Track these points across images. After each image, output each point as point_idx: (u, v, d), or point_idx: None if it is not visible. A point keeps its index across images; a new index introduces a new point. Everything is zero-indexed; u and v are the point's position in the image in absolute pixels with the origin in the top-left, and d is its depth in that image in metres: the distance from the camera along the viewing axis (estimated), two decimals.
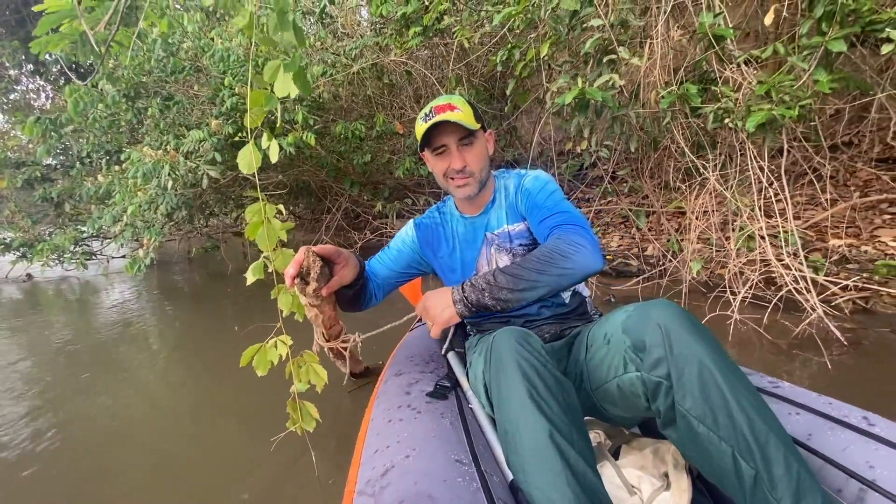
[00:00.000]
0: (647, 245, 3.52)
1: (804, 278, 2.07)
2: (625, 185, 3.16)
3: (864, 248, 2.81)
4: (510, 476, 0.70)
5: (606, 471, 0.85)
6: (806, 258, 2.73)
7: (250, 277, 1.12)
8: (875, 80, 2.69)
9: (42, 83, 6.62)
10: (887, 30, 1.63)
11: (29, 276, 5.11)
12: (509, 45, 2.44)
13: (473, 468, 0.71)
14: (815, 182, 2.97)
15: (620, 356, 0.77)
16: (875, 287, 2.38)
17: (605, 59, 1.96)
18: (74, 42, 1.26)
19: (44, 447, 1.53)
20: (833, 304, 2.27)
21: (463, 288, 0.94)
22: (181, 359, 2.40)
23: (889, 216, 3.13)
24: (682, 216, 3.09)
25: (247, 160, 1.02)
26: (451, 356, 1.12)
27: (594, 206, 3.74)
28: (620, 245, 3.86)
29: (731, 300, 2.17)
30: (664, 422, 0.72)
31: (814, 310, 1.94)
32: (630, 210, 3.26)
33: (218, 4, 0.99)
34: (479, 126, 1.07)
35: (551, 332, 1.08)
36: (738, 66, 2.23)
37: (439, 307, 0.95)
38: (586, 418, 0.97)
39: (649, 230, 3.50)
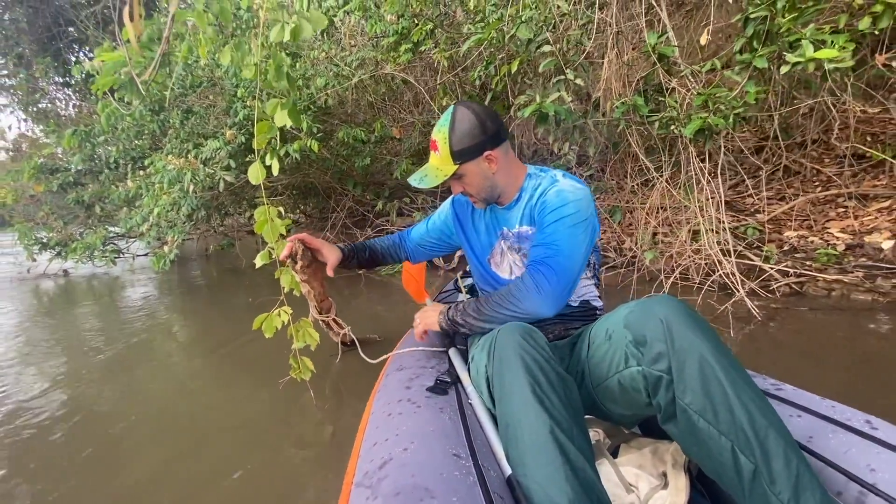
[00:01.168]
0: (625, 239, 3.83)
1: (733, 266, 2.37)
2: (599, 182, 3.47)
3: (812, 238, 3.09)
4: (507, 471, 0.70)
5: (604, 469, 0.85)
6: (759, 248, 3.04)
7: (259, 262, 1.50)
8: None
9: (69, 93, 7.09)
10: (785, 54, 1.92)
11: (65, 272, 5.60)
12: (485, 62, 2.77)
13: (471, 462, 0.71)
14: (783, 178, 3.25)
15: (622, 351, 0.78)
16: (812, 273, 2.67)
17: (554, 80, 2.28)
18: (124, 82, 1.63)
19: (89, 410, 1.92)
20: (771, 288, 2.57)
21: (450, 307, 1.12)
22: (200, 340, 2.80)
23: (843, 209, 3.39)
24: (654, 212, 3.40)
25: (254, 174, 1.39)
26: (452, 352, 1.14)
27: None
28: (601, 238, 4.17)
29: (676, 285, 2.49)
30: (665, 416, 0.72)
31: (738, 291, 2.24)
32: (613, 206, 3.58)
33: (233, 62, 1.35)
34: (456, 167, 1.09)
35: (555, 332, 1.08)
36: (685, 78, 2.54)
37: (430, 316, 1.16)
38: (586, 417, 0.98)
39: (629, 225, 3.82)
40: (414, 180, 1.15)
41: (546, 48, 2.24)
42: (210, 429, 1.61)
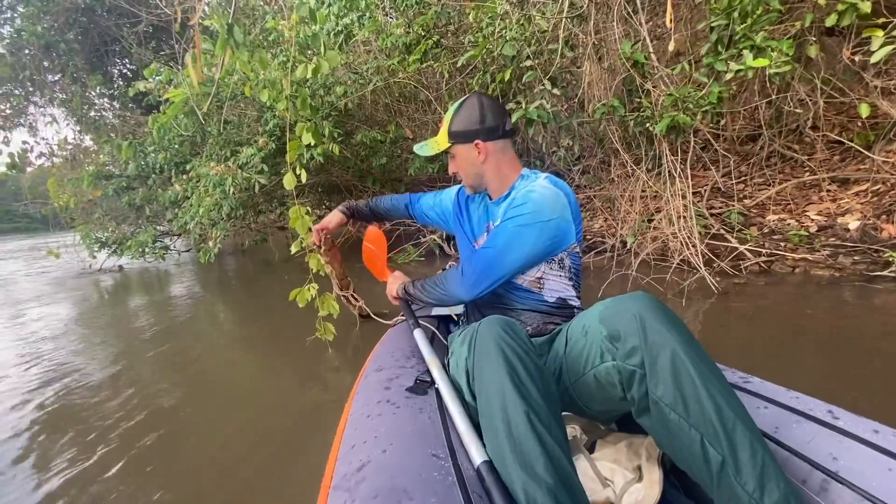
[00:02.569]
0: (613, 225, 4.14)
1: (697, 248, 2.68)
2: (587, 175, 3.79)
3: (790, 221, 3.34)
4: (477, 461, 0.71)
5: (581, 464, 0.86)
6: (743, 230, 3.31)
7: (294, 249, 1.94)
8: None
9: (114, 104, 7.77)
10: (729, 63, 2.22)
11: (120, 267, 6.28)
12: (482, 72, 3.13)
13: (450, 462, 0.71)
14: (776, 164, 3.50)
15: (598, 346, 0.80)
16: (780, 253, 2.94)
17: (535, 90, 2.63)
18: (186, 113, 2.09)
19: (162, 381, 2.42)
20: (742, 266, 2.87)
21: (409, 281, 1.34)
22: (240, 320, 3.30)
23: (827, 192, 3.61)
24: (648, 201, 3.70)
25: (288, 181, 1.82)
26: (417, 333, 1.15)
27: (588, 192, 4.37)
28: (602, 226, 4.48)
29: (649, 264, 2.81)
30: (638, 410, 0.75)
31: (700, 269, 2.56)
32: (602, 197, 3.89)
33: (269, 99, 1.78)
34: (448, 145, 1.18)
35: (534, 326, 1.11)
36: (661, 79, 2.84)
37: (393, 284, 1.39)
38: (564, 414, 1.00)
39: (626, 214, 4.12)
40: (417, 147, 1.28)
41: (528, 63, 2.59)
42: (250, 386, 2.08)
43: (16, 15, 6.38)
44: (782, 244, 3.13)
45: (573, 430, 0.96)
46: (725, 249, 3.04)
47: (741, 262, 2.94)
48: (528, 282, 1.12)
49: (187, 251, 6.74)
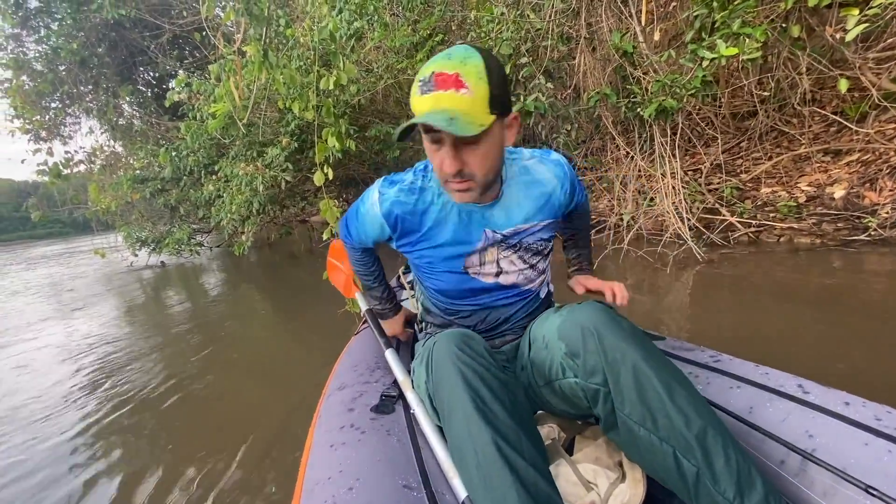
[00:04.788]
0: (620, 204, 4.38)
1: (684, 222, 2.93)
2: (587, 158, 4.03)
3: (782, 193, 3.52)
4: (460, 494, 0.67)
5: (562, 469, 0.85)
6: (738, 203, 3.51)
7: (326, 236, 2.27)
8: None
9: (143, 112, 8.22)
10: (703, 53, 2.44)
11: (163, 263, 6.80)
12: None
13: (424, 493, 0.68)
14: (775, 139, 3.70)
15: (558, 362, 0.77)
16: (768, 223, 3.16)
17: (531, 84, 2.88)
18: (227, 123, 2.43)
19: (208, 354, 2.81)
20: (733, 237, 3.10)
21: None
22: (270, 304, 3.69)
23: (819, 164, 3.78)
24: (642, 180, 3.93)
25: (318, 178, 2.14)
26: (389, 354, 1.03)
27: (590, 174, 4.60)
28: (605, 206, 4.72)
29: (645, 239, 3.07)
30: (606, 426, 0.73)
31: (685, 242, 2.81)
32: (608, 178, 4.14)
33: (299, 108, 2.10)
34: (492, 118, 0.72)
35: (523, 325, 1.00)
36: (651, 66, 3.05)
37: (397, 327, 1.20)
38: (539, 413, 0.97)
39: (622, 193, 4.35)
40: (439, 120, 0.69)
41: (523, 59, 2.85)
42: (283, 358, 2.44)
43: (51, 33, 6.85)
44: (772, 215, 3.34)
45: (550, 430, 0.94)
46: (718, 222, 3.27)
47: (732, 233, 3.17)
48: (523, 278, 0.96)
49: (218, 246, 7.22)
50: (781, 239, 3.06)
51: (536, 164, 0.93)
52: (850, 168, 3.48)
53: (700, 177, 3.78)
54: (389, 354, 1.02)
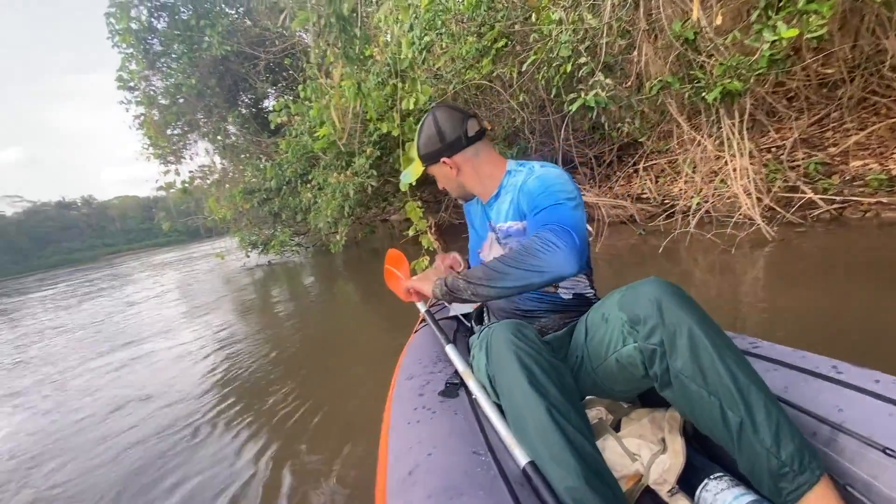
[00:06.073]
0: (689, 188, 4.35)
1: (754, 204, 2.94)
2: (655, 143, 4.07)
3: (873, 166, 3.33)
4: (522, 461, 0.74)
5: (609, 443, 0.93)
6: (820, 179, 3.40)
7: (411, 232, 2.69)
8: None
9: (245, 132, 9.36)
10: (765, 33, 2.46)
11: (270, 262, 7.84)
12: (546, 66, 3.60)
13: (490, 457, 0.77)
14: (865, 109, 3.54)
15: (618, 331, 0.84)
16: (855, 198, 3.05)
17: (591, 80, 3.05)
18: (331, 142, 2.94)
19: (307, 339, 3.36)
20: (813, 215, 3.06)
21: (445, 278, 1.00)
22: (358, 294, 4.23)
23: None
24: (711, 163, 3.89)
25: (404, 185, 2.55)
26: (449, 349, 1.12)
27: (659, 160, 4.62)
28: (679, 190, 4.69)
29: (714, 222, 3.11)
30: (661, 384, 0.80)
31: (753, 222, 2.84)
32: (676, 163, 4.15)
33: (388, 129, 2.52)
34: (422, 168, 1.21)
35: (552, 325, 1.12)
36: (715, 50, 3.08)
37: (425, 284, 1.10)
38: (588, 398, 1.07)
39: (690, 177, 4.31)
40: (403, 175, 1.33)
41: (582, 59, 3.03)
42: (365, 340, 2.90)
43: (172, 71, 8.13)
44: (860, 189, 3.18)
45: (598, 413, 1.03)
46: (796, 200, 3.20)
47: (811, 211, 3.10)
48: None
49: (314, 246, 8.14)
50: (867, 214, 2.94)
51: (518, 176, 1.12)
52: None
53: (783, 153, 3.67)
54: (449, 349, 1.11)
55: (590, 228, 1.08)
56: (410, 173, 1.25)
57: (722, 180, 3.43)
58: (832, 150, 3.73)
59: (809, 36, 2.38)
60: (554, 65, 3.56)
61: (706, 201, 3.39)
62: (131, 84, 8.14)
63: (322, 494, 1.46)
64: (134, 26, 7.62)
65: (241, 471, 1.67)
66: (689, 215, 3.43)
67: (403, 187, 2.49)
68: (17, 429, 2.54)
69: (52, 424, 2.48)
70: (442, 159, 1.13)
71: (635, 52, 3.17)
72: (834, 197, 3.13)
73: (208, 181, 9.10)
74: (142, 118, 8.40)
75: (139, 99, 8.27)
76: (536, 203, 1.01)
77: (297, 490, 1.51)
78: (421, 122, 1.16)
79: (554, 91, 3.87)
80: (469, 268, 1.25)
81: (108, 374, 3.23)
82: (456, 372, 1.07)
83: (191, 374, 2.89)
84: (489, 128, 5.53)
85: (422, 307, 1.47)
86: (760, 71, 2.86)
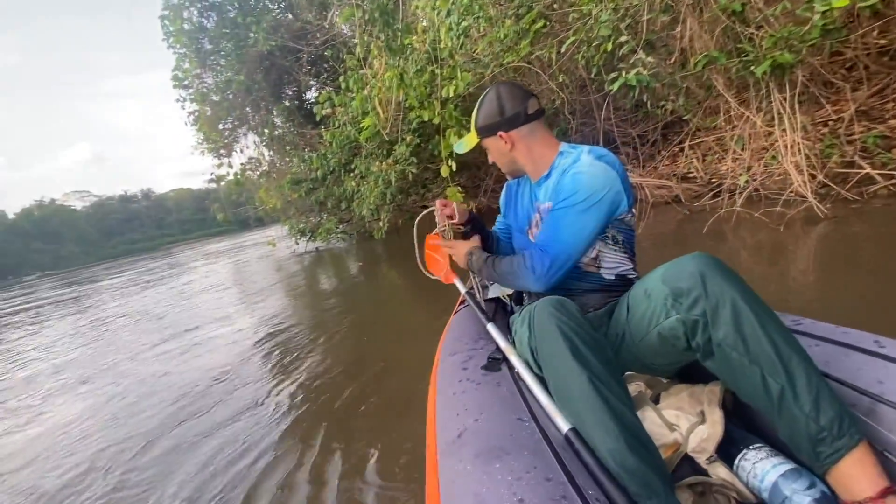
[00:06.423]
0: (750, 165, 4.20)
1: (805, 179, 2.84)
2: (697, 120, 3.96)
3: None
4: (564, 427, 0.78)
5: (648, 414, 0.96)
6: (879, 153, 3.23)
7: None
8: None
9: (290, 124, 9.73)
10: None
11: (317, 248, 8.22)
12: (586, 45, 3.57)
13: (533, 424, 0.81)
14: None
15: (661, 305, 0.86)
16: None
17: (632, 60, 3.01)
18: (375, 132, 3.09)
19: (347, 325, 3.56)
20: (866, 191, 2.93)
21: (475, 252, 1.29)
22: (396, 277, 4.41)
23: None
24: (761, 139, 3.75)
25: (445, 171, 2.67)
26: (490, 328, 1.19)
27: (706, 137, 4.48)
28: (727, 168, 4.54)
29: (763, 199, 3.02)
30: (703, 354, 0.82)
31: (805, 199, 2.75)
32: (729, 140, 4.02)
33: (428, 117, 2.62)
34: (477, 140, 1.25)
35: (593, 303, 1.14)
36: (764, 20, 2.96)
37: (460, 250, 1.35)
38: (628, 373, 1.10)
39: (738, 154, 4.15)
40: (456, 146, 1.38)
41: (622, 38, 2.99)
42: (408, 320, 3.06)
43: (222, 68, 8.56)
44: None
45: (638, 387, 1.06)
46: (852, 176, 3.05)
47: (868, 187, 2.95)
48: (585, 264, 1.13)
49: (359, 232, 8.45)
50: None
51: (567, 159, 1.14)
52: None
53: (840, 127, 3.48)
54: (490, 327, 1.18)
55: (633, 212, 1.09)
56: (464, 144, 1.30)
57: (773, 156, 3.31)
58: (893, 122, 3.50)
59: (862, 5, 2.26)
60: (594, 44, 3.53)
61: (754, 179, 3.29)
62: (185, 82, 8.63)
63: (371, 467, 1.56)
64: (186, 27, 8.05)
65: (297, 446, 1.81)
66: (735, 194, 3.35)
67: (445, 173, 2.59)
68: (96, 412, 2.71)
69: (130, 407, 2.67)
70: (499, 133, 1.17)
71: (679, 28, 3.10)
72: (893, 171, 2.96)
73: (257, 173, 9.59)
74: (196, 114, 8.93)
75: (193, 96, 8.78)
76: (557, 203, 1.08)
77: (349, 462, 1.62)
78: (483, 95, 1.20)
79: (594, 70, 3.83)
80: (471, 215, 1.43)
81: (175, 359, 3.47)
82: (498, 348, 1.11)
83: (250, 359, 3.10)
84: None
85: (462, 288, 1.58)
86: (813, 41, 2.75)
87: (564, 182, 1.08)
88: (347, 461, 1.63)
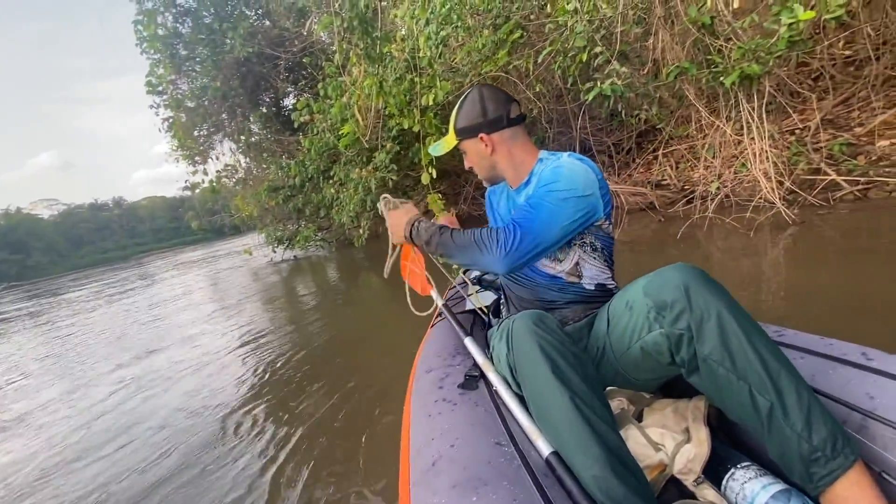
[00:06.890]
0: (721, 172, 4.32)
1: (773, 186, 2.94)
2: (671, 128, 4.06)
3: None
4: (545, 451, 0.74)
5: (632, 433, 0.92)
6: (845, 160, 3.37)
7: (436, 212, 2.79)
8: None
9: (267, 130, 9.60)
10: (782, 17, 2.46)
11: (296, 256, 8.09)
12: (561, 56, 3.64)
13: (512, 448, 0.77)
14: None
15: (643, 318, 0.82)
16: (882, 178, 3.02)
17: (606, 70, 3.08)
18: (354, 139, 3.07)
19: (328, 326, 3.52)
20: (832, 197, 3.04)
21: (419, 225, 1.12)
22: (380, 288, 4.37)
23: None
24: (730, 147, 3.87)
25: (425, 178, 2.67)
26: (468, 342, 1.14)
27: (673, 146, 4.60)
28: (699, 176, 4.67)
29: (733, 206, 3.11)
30: (688, 370, 0.79)
31: (773, 205, 2.84)
32: (695, 148, 4.13)
33: (408, 125, 2.62)
34: (455, 142, 1.17)
35: (573, 315, 1.11)
36: (732, 33, 3.07)
37: (399, 223, 1.19)
38: (609, 388, 1.05)
39: (709, 162, 4.28)
40: (431, 148, 1.30)
41: (597, 49, 3.06)
42: (386, 331, 3.03)
43: (197, 75, 8.41)
44: (886, 169, 3.13)
45: (620, 404, 1.01)
46: (818, 182, 3.17)
47: (834, 192, 3.07)
48: (567, 274, 1.10)
49: (338, 240, 8.36)
50: (894, 194, 2.91)
51: (547, 164, 1.11)
52: None
53: (806, 135, 3.63)
54: (468, 341, 1.13)
55: (611, 220, 1.06)
56: (442, 146, 1.23)
57: (743, 164, 3.42)
58: (858, 130, 3.66)
59: (828, 17, 2.37)
60: (570, 55, 3.59)
61: (725, 186, 3.39)
62: (160, 88, 8.44)
63: (347, 488, 1.50)
64: (160, 32, 7.89)
65: (266, 467, 1.72)
66: (707, 200, 3.44)
67: (425, 181, 2.59)
68: (33, 452, 2.38)
69: (77, 433, 2.44)
70: (480, 135, 1.12)
71: (651, 39, 3.18)
72: (858, 178, 3.09)
73: (233, 180, 9.41)
74: (170, 120, 8.73)
75: (167, 102, 8.59)
76: (536, 191, 1.04)
77: (320, 483, 1.55)
78: (464, 96, 1.14)
79: (570, 80, 3.90)
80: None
81: (123, 392, 3.04)
82: (475, 364, 1.07)
83: (224, 372, 2.95)
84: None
85: (438, 300, 1.54)
86: (780, 53, 2.85)
87: (544, 174, 1.05)
88: (319, 495, 1.54)
